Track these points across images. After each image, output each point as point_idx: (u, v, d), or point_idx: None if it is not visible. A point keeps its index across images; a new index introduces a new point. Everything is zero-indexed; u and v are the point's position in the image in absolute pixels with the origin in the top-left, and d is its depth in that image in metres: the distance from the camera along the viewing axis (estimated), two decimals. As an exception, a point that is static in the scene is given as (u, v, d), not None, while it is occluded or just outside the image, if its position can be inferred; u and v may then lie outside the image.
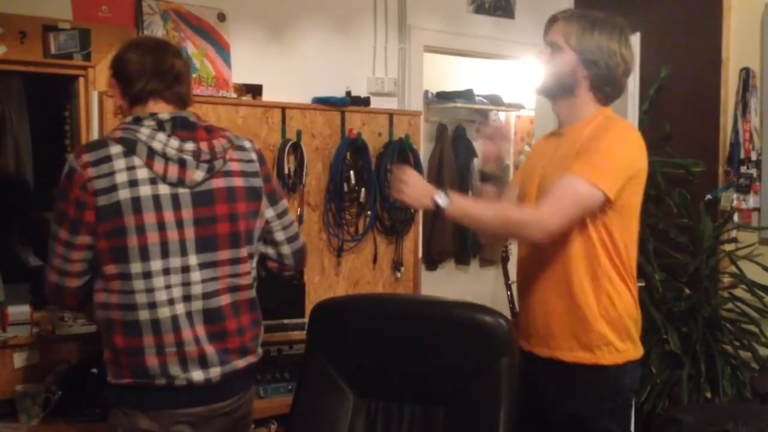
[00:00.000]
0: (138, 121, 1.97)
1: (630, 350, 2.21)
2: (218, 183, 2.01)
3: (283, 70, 3.62)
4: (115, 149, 1.94)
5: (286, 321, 3.22)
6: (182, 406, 2.01)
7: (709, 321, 3.68)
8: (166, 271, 1.95)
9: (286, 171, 3.41)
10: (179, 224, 1.96)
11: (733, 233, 3.80)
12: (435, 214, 4.63)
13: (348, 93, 3.69)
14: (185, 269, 1.97)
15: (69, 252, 1.97)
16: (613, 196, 2.07)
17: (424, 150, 4.14)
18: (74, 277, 2.01)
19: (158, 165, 1.94)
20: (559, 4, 4.44)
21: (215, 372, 2.01)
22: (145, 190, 1.92)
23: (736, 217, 3.77)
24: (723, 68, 3.83)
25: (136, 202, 1.92)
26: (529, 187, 2.31)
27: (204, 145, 1.98)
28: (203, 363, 1.99)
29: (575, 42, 2.17)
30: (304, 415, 2.14)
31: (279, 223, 2.16)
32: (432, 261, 4.89)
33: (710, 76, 3.86)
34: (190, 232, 1.97)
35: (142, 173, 1.93)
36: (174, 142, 1.95)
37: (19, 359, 2.93)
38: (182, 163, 1.95)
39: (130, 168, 1.92)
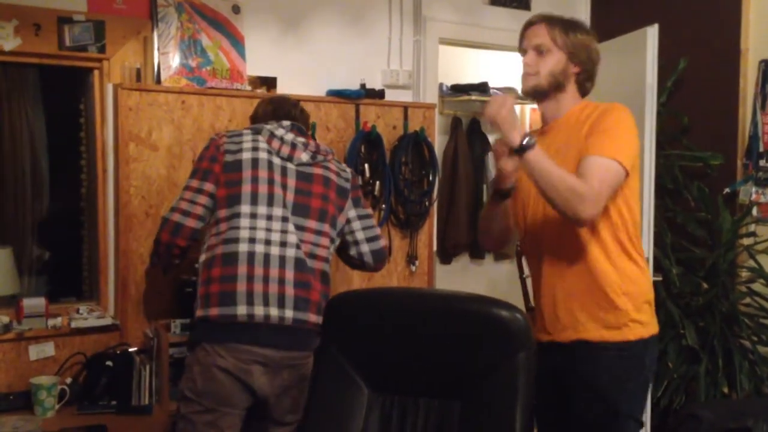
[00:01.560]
0: (276, 122, 2.60)
1: (652, 324, 2.28)
2: (318, 170, 2.53)
3: (297, 62, 3.61)
4: (246, 131, 2.56)
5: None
6: (259, 344, 2.32)
7: (726, 316, 3.65)
8: (269, 217, 2.40)
9: (301, 164, 3.40)
10: (284, 186, 2.46)
11: (752, 227, 3.76)
12: (448, 209, 4.60)
13: (363, 85, 3.67)
14: (285, 219, 2.42)
15: (196, 196, 2.46)
16: (630, 172, 2.18)
17: (438, 143, 4.11)
18: (194, 218, 2.46)
19: (275, 143, 2.50)
20: (576, -4, 4.41)
21: (289, 314, 2.34)
22: (263, 155, 2.47)
23: (755, 211, 3.73)
24: (742, 60, 3.79)
25: (255, 161, 2.45)
26: (525, 183, 2.29)
27: (312, 143, 2.57)
28: (281, 302, 2.35)
29: (562, 42, 2.27)
30: (318, 409, 2.13)
31: (360, 223, 2.59)
32: (446, 254, 4.85)
33: (729, 68, 3.82)
34: (290, 196, 2.46)
35: (263, 145, 2.50)
36: (290, 135, 2.54)
37: (34, 351, 2.94)
38: (293, 147, 2.51)
39: (255, 141, 2.50)
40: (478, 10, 4.17)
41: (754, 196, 3.71)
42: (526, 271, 2.69)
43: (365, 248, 2.61)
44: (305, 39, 3.65)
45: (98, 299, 3.20)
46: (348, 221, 2.58)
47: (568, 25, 2.30)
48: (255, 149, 2.47)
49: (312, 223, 2.46)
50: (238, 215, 2.39)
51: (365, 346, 2.14)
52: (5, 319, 2.91)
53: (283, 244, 2.40)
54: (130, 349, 3.00)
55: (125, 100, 3.04)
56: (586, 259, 2.22)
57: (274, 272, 2.36)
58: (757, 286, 3.67)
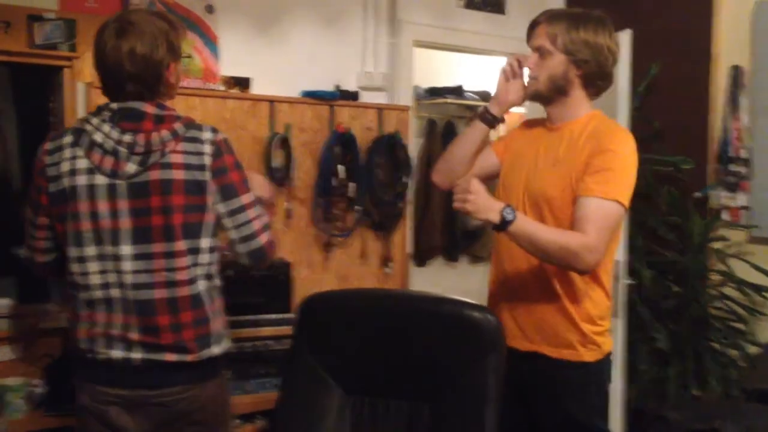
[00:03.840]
0: (98, 111, 2.04)
1: (607, 343, 2.27)
2: (154, 175, 1.98)
3: (271, 63, 3.59)
4: (67, 139, 2.03)
5: (272, 316, 3.20)
6: (106, 384, 2.05)
7: (697, 319, 3.68)
8: (101, 257, 2.00)
9: (275, 165, 3.38)
10: (113, 214, 1.99)
11: (722, 231, 3.80)
12: (423, 211, 4.60)
13: (337, 87, 3.67)
14: (116, 257, 1.99)
15: (34, 230, 2.13)
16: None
17: (413, 145, 4.12)
18: (40, 252, 2.15)
19: (96, 156, 1.99)
20: (552, 1, 4.43)
21: (137, 355, 2.01)
22: (81, 180, 1.99)
23: (725, 215, 3.77)
24: (713, 65, 3.83)
25: (73, 190, 2.00)
26: (515, 179, 2.29)
27: (141, 138, 1.97)
28: (127, 345, 2.01)
29: (562, 43, 2.16)
30: (289, 411, 2.12)
31: (230, 221, 2.04)
32: (421, 257, 4.86)
33: (700, 74, 3.86)
34: (125, 223, 1.99)
35: (82, 163, 2.00)
36: (114, 134, 1.98)
37: (2, 353, 2.91)
38: (116, 156, 1.97)
39: (73, 158, 2.01)
40: (453, 13, 4.18)
41: (724, 201, 3.74)
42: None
43: (240, 248, 2.07)
44: (280, 40, 3.63)
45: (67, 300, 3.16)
46: (218, 218, 2.05)
47: (572, 23, 2.16)
48: (72, 172, 1.99)
49: (158, 247, 1.99)
50: (68, 259, 2.04)
51: (337, 347, 2.14)
52: (-28, 321, 2.87)
53: (121, 285, 2.00)
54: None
55: (96, 99, 2.99)
56: (552, 279, 2.18)
57: (117, 318, 2.01)
58: (727, 290, 3.71)
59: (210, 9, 3.36)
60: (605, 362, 2.25)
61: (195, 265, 2.03)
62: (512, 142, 2.42)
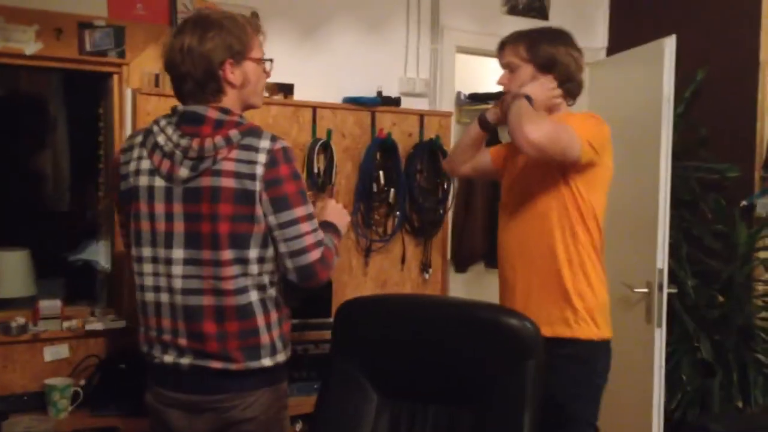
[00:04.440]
0: (170, 113, 2.06)
1: (604, 329, 2.42)
2: (206, 181, 1.96)
3: (314, 69, 3.62)
4: (138, 139, 2.08)
5: (312, 320, 3.23)
6: (165, 387, 2.10)
7: (742, 329, 3.62)
8: (154, 260, 2.03)
9: (316, 170, 3.41)
10: (168, 217, 2.00)
11: (769, 241, 3.73)
12: (464, 217, 4.59)
13: (379, 93, 3.68)
14: (168, 261, 2.01)
15: (120, 227, 2.20)
16: (584, 160, 2.32)
17: (454, 151, 4.11)
18: (126, 248, 2.19)
19: (156, 158, 2.01)
20: (594, 6, 4.41)
21: (186, 361, 2.03)
22: (143, 181, 2.02)
23: (772, 224, 3.70)
24: (761, 71, 3.76)
25: (135, 191, 2.03)
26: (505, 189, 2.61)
27: (196, 142, 1.96)
28: (178, 351, 2.04)
29: (527, 55, 2.46)
30: (328, 415, 2.15)
31: (280, 234, 1.97)
32: (461, 263, 4.84)
33: (747, 79, 3.79)
34: (179, 226, 1.99)
35: (145, 164, 2.03)
36: (174, 136, 1.99)
37: (49, 353, 2.97)
38: (172, 159, 1.99)
39: (139, 158, 2.05)
40: (496, 19, 4.17)
41: (771, 209, 3.68)
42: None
43: (288, 264, 1.98)
44: (322, 46, 3.66)
45: (113, 302, 3.22)
46: (270, 229, 1.98)
47: (533, 37, 2.47)
48: (137, 172, 2.03)
49: (207, 254, 1.97)
50: (134, 258, 2.08)
51: (375, 352, 2.15)
52: (21, 321, 2.94)
53: (170, 290, 2.02)
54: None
55: (143, 105, 3.07)
56: (551, 257, 2.39)
57: (166, 322, 2.04)
58: (773, 300, 3.64)
59: (255, 16, 3.39)
60: (600, 347, 2.39)
61: (244, 275, 1.98)
62: (509, 153, 2.66)
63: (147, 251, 2.03)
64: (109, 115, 3.24)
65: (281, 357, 2.07)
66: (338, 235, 2.19)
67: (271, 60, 2.18)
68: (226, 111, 2.01)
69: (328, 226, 2.17)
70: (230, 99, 2.05)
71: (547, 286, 2.40)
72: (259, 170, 1.95)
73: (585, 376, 2.38)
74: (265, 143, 1.97)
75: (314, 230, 2.00)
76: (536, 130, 2.23)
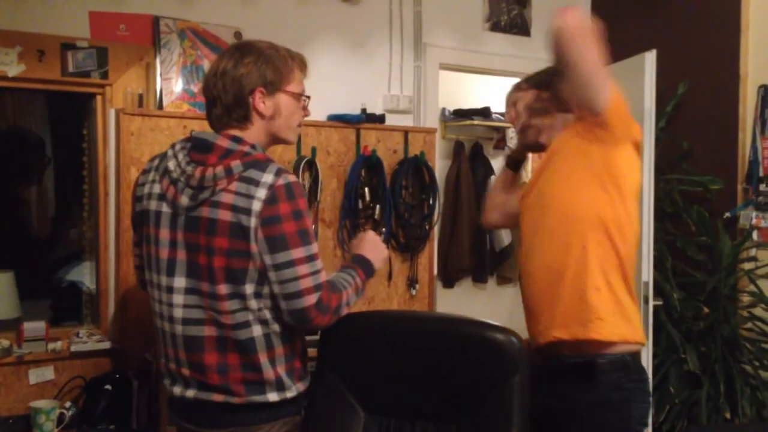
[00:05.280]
0: (187, 138, 2.03)
1: (632, 330, 2.20)
2: (205, 212, 1.88)
3: (298, 87, 3.63)
4: (155, 162, 2.05)
5: (299, 338, 3.22)
6: (180, 418, 2.07)
7: (728, 340, 3.64)
8: (158, 286, 1.99)
9: (301, 188, 3.41)
10: (173, 244, 1.94)
11: (752, 252, 3.76)
12: (451, 233, 4.59)
13: (363, 110, 3.70)
14: (169, 289, 1.95)
15: (133, 246, 2.17)
16: (607, 116, 2.09)
17: (440, 167, 4.13)
18: (137, 269, 2.17)
19: (165, 183, 1.96)
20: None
21: (191, 393, 1.98)
22: (153, 205, 1.98)
23: (755, 236, 3.73)
24: (741, 85, 3.80)
25: (145, 214, 2.00)
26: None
27: (199, 171, 1.89)
28: (183, 382, 2.00)
29: (526, 86, 2.44)
30: (314, 433, 2.13)
31: (275, 275, 1.87)
32: (449, 279, 4.85)
33: (728, 93, 3.83)
34: (182, 254, 1.93)
35: (156, 188, 1.99)
36: (183, 163, 1.94)
37: (34, 375, 2.96)
38: (176, 186, 1.93)
39: (153, 182, 2.01)
40: (478, 36, 4.21)
41: (754, 221, 3.70)
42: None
43: (283, 305, 1.89)
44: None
45: (98, 323, 3.21)
46: (265, 268, 1.88)
47: (531, 77, 2.46)
48: (149, 196, 1.99)
49: (205, 286, 1.90)
50: (147, 282, 2.06)
51: (361, 369, 2.14)
52: (6, 343, 2.92)
53: (170, 319, 1.97)
54: (129, 373, 3.00)
55: (127, 125, 3.06)
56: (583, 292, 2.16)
57: (170, 351, 2.00)
58: (758, 311, 3.66)
59: (238, 35, 3.41)
60: (630, 356, 2.16)
61: (244, 309, 1.90)
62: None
63: (154, 277, 1.99)
64: (93, 136, 3.24)
65: (291, 392, 1.98)
66: (368, 271, 2.11)
67: (308, 97, 2.11)
68: (238, 140, 1.92)
69: (360, 262, 2.10)
70: (257, 129, 1.98)
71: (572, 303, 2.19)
72: (257, 206, 1.84)
73: (612, 378, 2.18)
74: (267, 177, 1.86)
75: (313, 273, 1.89)
76: (603, 99, 2.06)
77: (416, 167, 3.75)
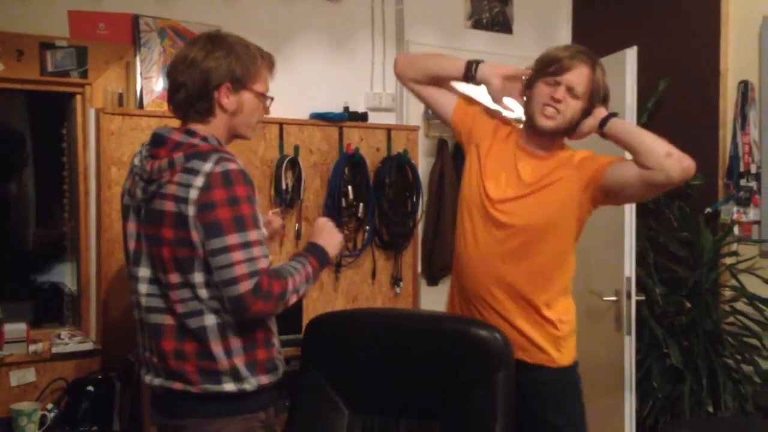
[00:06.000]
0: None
1: (573, 347, 2.37)
2: (156, 204, 1.92)
3: (280, 85, 3.56)
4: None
5: (283, 336, 3.18)
6: (154, 409, 2.15)
7: (710, 335, 3.65)
8: (130, 276, 2.04)
9: (284, 186, 3.40)
10: (138, 236, 2.00)
11: (734, 246, 3.78)
12: (434, 230, 4.60)
13: (346, 108, 3.69)
14: (137, 279, 2.00)
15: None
16: None
17: (423, 165, 4.13)
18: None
19: (130, 178, 2.03)
20: (556, 19, 4.45)
21: (158, 381, 2.00)
22: (125, 199, 2.06)
23: (736, 230, 3.75)
24: (721, 81, 3.82)
25: (123, 209, 2.08)
26: (490, 186, 2.38)
27: (149, 165, 1.95)
28: (153, 370, 2.02)
29: (590, 89, 2.31)
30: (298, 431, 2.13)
31: (212, 261, 1.87)
32: (433, 276, 4.85)
33: (709, 89, 3.85)
34: (144, 246, 1.97)
35: (127, 184, 2.05)
36: (143, 159, 1.99)
37: (15, 377, 2.93)
38: (134, 180, 2.00)
39: (128, 178, 2.07)
40: (460, 33, 4.21)
41: (735, 216, 3.73)
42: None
43: (222, 293, 1.89)
44: (288, 62, 3.66)
45: (80, 324, 3.19)
46: (206, 256, 1.89)
47: (601, 70, 2.32)
48: (124, 192, 2.08)
49: (161, 276, 1.95)
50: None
51: (344, 367, 2.15)
52: (-14, 345, 2.90)
53: (139, 307, 2.02)
54: (112, 374, 2.98)
55: (107, 124, 3.04)
56: (528, 289, 2.28)
57: (141, 339, 2.05)
58: (739, 305, 3.68)
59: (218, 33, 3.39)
60: (576, 367, 2.35)
61: (195, 299, 1.92)
62: (481, 131, 2.49)
63: (128, 268, 2.05)
64: (73, 136, 3.21)
65: (250, 384, 1.97)
66: (321, 258, 2.10)
67: (272, 98, 2.14)
68: (191, 133, 1.95)
69: (312, 249, 2.10)
70: (218, 122, 2.00)
71: (525, 315, 2.30)
72: (194, 194, 1.86)
73: (572, 392, 2.36)
74: (207, 166, 1.88)
75: (249, 259, 1.87)
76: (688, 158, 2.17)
77: (399, 165, 3.75)
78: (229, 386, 1.95)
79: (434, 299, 4.51)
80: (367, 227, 3.65)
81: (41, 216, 3.72)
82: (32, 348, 2.96)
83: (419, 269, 3.97)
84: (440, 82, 2.54)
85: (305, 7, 3.71)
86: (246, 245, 1.87)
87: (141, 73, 3.19)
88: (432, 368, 2.07)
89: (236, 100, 2.00)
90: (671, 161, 2.15)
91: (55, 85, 3.09)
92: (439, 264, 4.85)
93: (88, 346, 3.03)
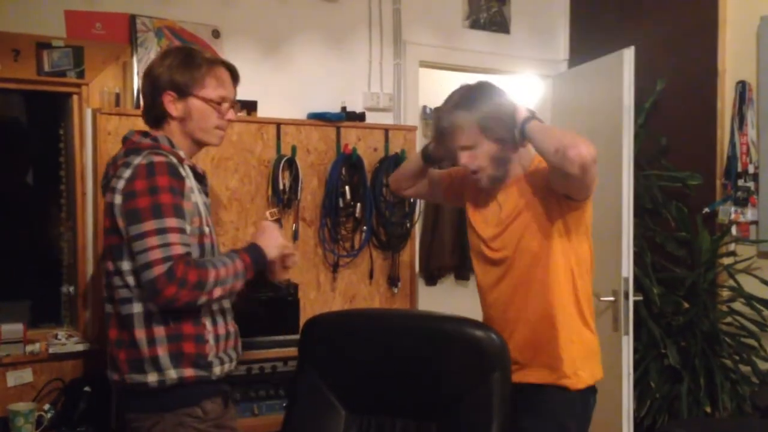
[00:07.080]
0: None
1: (592, 372, 2.41)
2: (106, 197, 2.09)
3: (278, 85, 3.62)
4: None
5: (280, 337, 3.20)
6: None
7: (707, 335, 3.66)
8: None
9: (281, 187, 3.40)
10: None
11: (731, 246, 3.78)
12: (432, 230, 4.60)
13: (343, 108, 3.68)
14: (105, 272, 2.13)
15: None
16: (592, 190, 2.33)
17: (421, 165, 4.13)
18: None
19: None
20: (554, 19, 4.45)
21: (109, 373, 2.11)
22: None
23: (734, 231, 3.75)
24: (719, 81, 3.82)
25: None
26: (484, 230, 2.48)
27: (113, 162, 2.13)
28: (109, 363, 2.13)
29: (478, 130, 2.33)
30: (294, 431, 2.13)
31: (132, 247, 1.97)
32: (431, 276, 4.86)
33: (706, 90, 3.85)
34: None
35: None
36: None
37: (12, 378, 2.92)
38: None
39: None
40: (458, 33, 4.21)
41: (733, 216, 3.73)
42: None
43: (141, 278, 1.97)
44: (286, 62, 3.67)
45: (77, 324, 3.18)
46: (128, 242, 2.00)
47: (470, 107, 2.31)
48: None
49: (105, 264, 2.11)
50: None
51: (341, 367, 2.14)
52: (-18, 345, 2.89)
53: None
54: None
55: (104, 124, 3.04)
56: (551, 311, 2.32)
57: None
58: (737, 305, 3.69)
59: (216, 34, 3.39)
60: (589, 392, 2.37)
61: (124, 286, 2.02)
62: (466, 184, 2.60)
63: None
64: (70, 136, 3.21)
65: (171, 375, 2.00)
66: (256, 257, 2.12)
67: (230, 103, 2.21)
68: (145, 134, 2.12)
69: (249, 248, 2.14)
70: (172, 128, 2.14)
71: (536, 330, 2.36)
72: (120, 184, 2.01)
73: (576, 417, 2.40)
74: (137, 159, 2.01)
75: (163, 245, 1.93)
76: (591, 146, 2.10)
77: (397, 165, 3.73)
78: (152, 376, 2.00)
79: (432, 299, 4.51)
80: (365, 227, 3.64)
81: (38, 216, 3.72)
82: (29, 348, 2.95)
83: (417, 269, 3.96)
84: (420, 174, 2.79)
85: (302, 7, 3.71)
86: (161, 231, 1.94)
87: (138, 73, 3.18)
88: (428, 368, 2.07)
89: (183, 106, 2.12)
90: (558, 157, 2.12)
91: (52, 85, 3.08)
92: (436, 264, 4.87)
93: (86, 346, 3.02)
